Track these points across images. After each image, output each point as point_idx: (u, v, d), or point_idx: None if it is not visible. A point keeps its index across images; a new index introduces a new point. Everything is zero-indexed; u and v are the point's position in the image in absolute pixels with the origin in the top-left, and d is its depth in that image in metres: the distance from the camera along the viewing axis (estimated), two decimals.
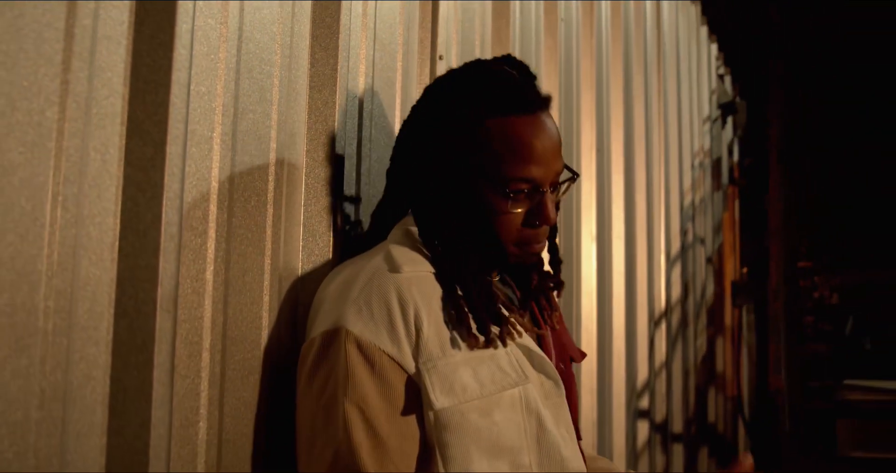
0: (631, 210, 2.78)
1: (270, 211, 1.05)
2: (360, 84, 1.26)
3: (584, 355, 1.24)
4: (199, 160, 0.93)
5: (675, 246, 3.36)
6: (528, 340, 1.08)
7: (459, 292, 1.03)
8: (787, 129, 3.80)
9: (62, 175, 0.77)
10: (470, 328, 1.01)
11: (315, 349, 0.99)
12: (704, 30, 4.31)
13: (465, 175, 1.06)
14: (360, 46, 1.26)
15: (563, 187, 1.13)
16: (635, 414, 2.72)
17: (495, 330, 1.02)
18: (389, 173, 1.18)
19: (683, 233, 3.58)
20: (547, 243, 1.14)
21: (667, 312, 3.14)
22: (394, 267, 1.02)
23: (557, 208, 1.17)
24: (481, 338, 1.01)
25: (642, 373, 2.78)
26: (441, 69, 1.49)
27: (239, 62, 1.00)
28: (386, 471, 0.95)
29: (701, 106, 4.14)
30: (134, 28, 0.86)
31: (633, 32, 2.80)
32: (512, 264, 1.11)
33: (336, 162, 1.17)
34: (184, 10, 0.90)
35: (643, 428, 2.77)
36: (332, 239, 1.14)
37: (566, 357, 1.17)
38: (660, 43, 3.19)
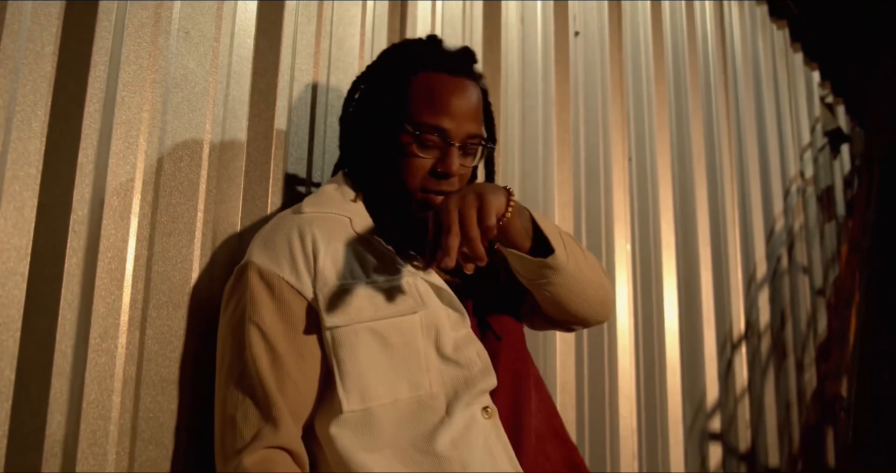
0: (689, 224, 2.74)
1: (205, 172, 1.22)
2: (313, 76, 1.43)
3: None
4: (129, 124, 1.12)
5: (761, 269, 3.23)
6: (437, 279, 1.16)
7: (374, 226, 1.14)
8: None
9: (4, 29, 0.98)
10: (376, 256, 1.12)
11: (230, 282, 1.13)
12: (799, 56, 4.20)
13: (389, 121, 1.17)
14: (313, 43, 1.44)
15: (478, 151, 1.21)
16: (703, 435, 2.61)
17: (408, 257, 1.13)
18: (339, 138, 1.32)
19: (776, 258, 3.43)
20: None
21: (747, 335, 3.00)
22: (297, 210, 1.16)
23: (474, 175, 1.26)
24: (394, 258, 1.12)
25: (712, 393, 2.67)
26: None
27: (171, 43, 1.21)
28: (283, 385, 1.05)
29: (799, 132, 4.00)
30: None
31: (686, 46, 2.83)
32: (416, 216, 1.17)
33: (278, 137, 1.33)
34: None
35: (715, 452, 2.64)
36: (269, 200, 1.29)
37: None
38: (726, 62, 3.18)
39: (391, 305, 1.10)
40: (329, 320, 1.07)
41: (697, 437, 2.59)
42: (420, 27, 1.71)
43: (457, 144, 1.16)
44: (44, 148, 1.04)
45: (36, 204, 1.02)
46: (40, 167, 1.03)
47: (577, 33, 2.23)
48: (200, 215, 1.20)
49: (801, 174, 3.94)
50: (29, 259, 1.00)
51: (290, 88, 1.38)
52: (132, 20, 1.15)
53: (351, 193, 1.20)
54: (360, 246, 1.14)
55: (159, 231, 1.15)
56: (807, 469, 3.21)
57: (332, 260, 1.10)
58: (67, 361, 1.01)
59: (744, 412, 2.89)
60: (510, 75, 2.03)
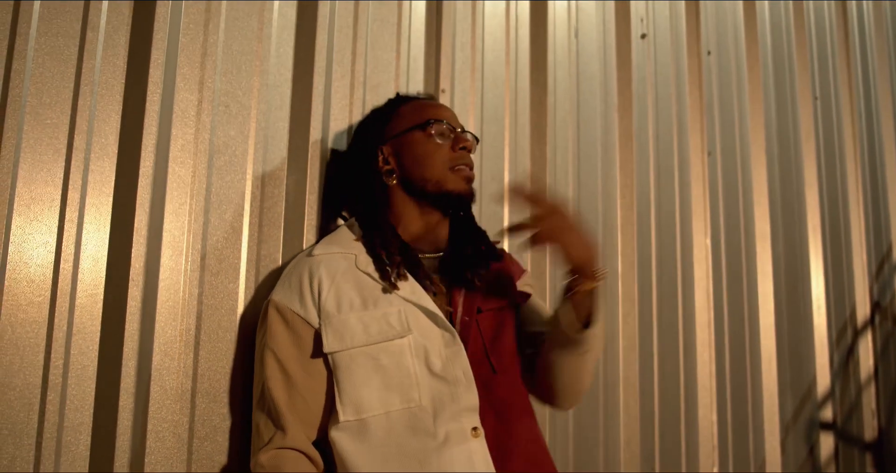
0: (792, 211, 2.68)
1: (247, 219, 1.49)
2: (347, 122, 1.66)
3: (498, 302, 1.46)
4: (178, 189, 1.42)
5: None
6: (433, 306, 1.35)
7: (365, 259, 1.38)
8: None
9: (76, 129, 1.30)
10: (373, 288, 1.34)
11: (260, 316, 1.40)
12: None
13: (391, 142, 1.47)
14: (348, 95, 1.67)
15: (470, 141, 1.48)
16: (810, 425, 2.57)
17: (391, 271, 1.35)
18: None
19: None
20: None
21: (874, 320, 2.87)
22: (309, 253, 1.41)
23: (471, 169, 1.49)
24: (382, 277, 1.35)
25: (823, 382, 2.61)
26: (443, 100, 1.82)
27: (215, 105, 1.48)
28: (293, 399, 1.31)
29: None
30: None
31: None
32: (454, 197, 1.43)
33: (312, 183, 1.58)
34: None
35: (826, 442, 2.59)
36: (304, 237, 1.55)
37: (472, 311, 1.41)
38: (847, 26, 3.01)
39: (381, 332, 1.31)
40: (328, 346, 1.31)
41: (803, 428, 2.56)
42: (458, 54, 1.88)
43: (459, 129, 1.48)
44: (110, 216, 1.35)
45: (106, 259, 1.34)
46: (108, 231, 1.35)
47: (643, 35, 2.28)
48: (244, 255, 1.48)
49: None
50: (102, 303, 1.33)
51: (321, 139, 1.62)
52: (179, 104, 1.44)
53: (357, 233, 1.43)
54: (359, 280, 1.36)
55: (208, 271, 1.44)
56: None
57: (334, 296, 1.34)
58: (132, 379, 1.33)
59: (869, 400, 2.78)
60: (558, 91, 2.14)
